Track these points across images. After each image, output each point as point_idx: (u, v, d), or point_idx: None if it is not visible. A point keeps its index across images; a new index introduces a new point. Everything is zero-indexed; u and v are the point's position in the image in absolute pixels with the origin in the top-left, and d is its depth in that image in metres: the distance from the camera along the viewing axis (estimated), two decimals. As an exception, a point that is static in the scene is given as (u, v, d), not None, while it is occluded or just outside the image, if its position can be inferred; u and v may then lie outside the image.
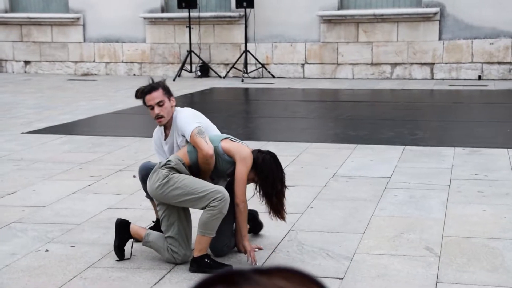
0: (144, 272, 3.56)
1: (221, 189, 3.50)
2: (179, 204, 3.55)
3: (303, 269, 0.65)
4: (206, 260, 3.53)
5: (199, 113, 3.83)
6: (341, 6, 12.03)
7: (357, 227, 4.20)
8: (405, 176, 5.37)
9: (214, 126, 3.90)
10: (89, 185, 5.23)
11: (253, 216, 4.00)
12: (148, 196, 3.96)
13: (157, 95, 3.70)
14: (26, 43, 13.59)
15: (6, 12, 13.62)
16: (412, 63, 11.71)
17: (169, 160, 3.60)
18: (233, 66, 12.03)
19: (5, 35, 13.66)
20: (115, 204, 4.74)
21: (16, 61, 13.74)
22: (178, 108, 3.80)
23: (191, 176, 3.57)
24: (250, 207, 4.38)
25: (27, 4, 13.69)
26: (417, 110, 8.86)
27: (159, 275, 3.52)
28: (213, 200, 3.45)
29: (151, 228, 3.98)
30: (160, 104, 3.69)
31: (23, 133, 7.42)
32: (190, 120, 3.69)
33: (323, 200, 4.80)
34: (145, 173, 3.83)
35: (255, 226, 4.07)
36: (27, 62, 13.67)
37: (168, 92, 3.76)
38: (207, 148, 3.57)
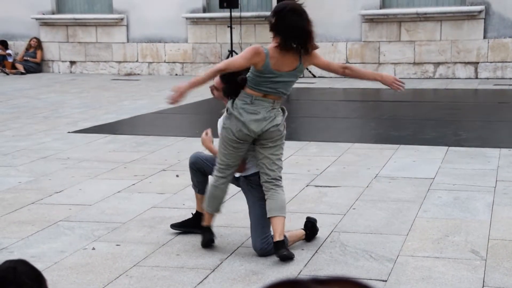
0: (188, 271, 3.61)
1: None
2: None
3: (360, 279, 0.66)
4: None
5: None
6: (383, 5, 11.92)
7: (400, 229, 4.16)
8: (449, 177, 5.30)
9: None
10: (134, 184, 5.32)
11: (312, 224, 4.01)
12: (194, 186, 4.13)
13: (217, 81, 3.82)
14: (72, 44, 13.87)
15: (53, 13, 13.93)
16: (455, 62, 11.53)
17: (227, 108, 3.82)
18: (274, 66, 12.03)
19: (52, 36, 13.97)
20: (159, 204, 4.81)
21: (62, 61, 14.03)
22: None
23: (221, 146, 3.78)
24: (300, 211, 4.38)
25: (73, 5, 13.97)
26: (461, 110, 8.71)
27: (203, 274, 3.56)
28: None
29: (190, 220, 4.15)
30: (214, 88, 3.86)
31: (69, 132, 7.58)
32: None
33: (366, 201, 4.77)
34: (193, 161, 4.06)
35: (313, 232, 4.02)
36: (72, 62, 13.95)
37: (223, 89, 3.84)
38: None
